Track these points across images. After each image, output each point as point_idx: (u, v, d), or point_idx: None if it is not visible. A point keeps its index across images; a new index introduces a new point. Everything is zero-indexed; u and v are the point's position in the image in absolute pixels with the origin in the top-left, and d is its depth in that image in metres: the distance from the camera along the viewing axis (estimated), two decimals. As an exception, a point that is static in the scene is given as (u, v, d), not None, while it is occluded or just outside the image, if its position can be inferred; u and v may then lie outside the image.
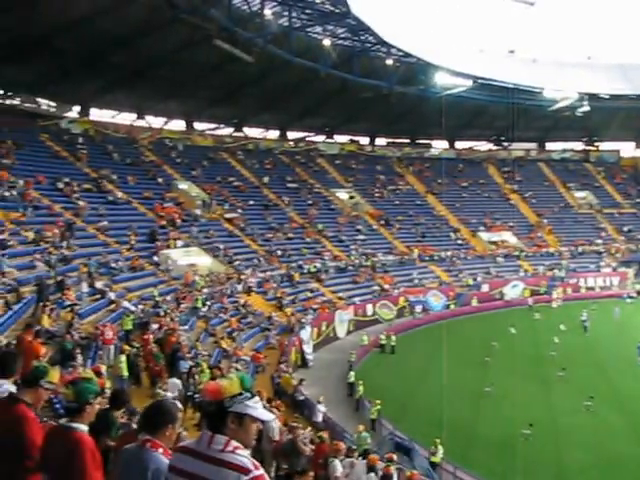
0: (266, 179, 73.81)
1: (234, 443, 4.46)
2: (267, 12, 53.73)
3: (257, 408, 4.59)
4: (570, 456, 28.20)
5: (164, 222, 54.28)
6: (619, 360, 45.32)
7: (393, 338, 50.39)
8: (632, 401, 36.23)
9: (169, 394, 23.78)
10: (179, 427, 5.70)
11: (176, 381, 25.60)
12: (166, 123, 75.88)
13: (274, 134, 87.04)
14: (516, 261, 77.22)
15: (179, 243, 52.18)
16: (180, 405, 6.48)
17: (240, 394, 4.54)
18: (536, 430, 29.46)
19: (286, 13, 55.45)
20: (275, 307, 51.82)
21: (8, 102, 57.27)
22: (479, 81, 72.01)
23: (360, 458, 18.65)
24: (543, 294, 70.95)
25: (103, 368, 15.07)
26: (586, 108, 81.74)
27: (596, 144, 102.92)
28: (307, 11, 56.07)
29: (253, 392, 4.64)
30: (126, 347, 27.83)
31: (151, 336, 30.50)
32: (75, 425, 5.90)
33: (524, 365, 41.43)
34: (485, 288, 69.85)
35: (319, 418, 30.32)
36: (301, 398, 33.12)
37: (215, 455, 4.43)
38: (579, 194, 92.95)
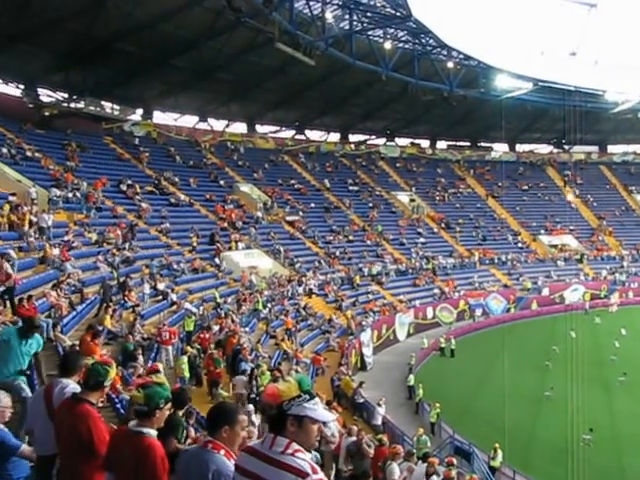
0: (327, 182, 74.02)
1: (295, 446, 4.56)
2: (328, 16, 53.78)
3: (316, 409, 4.67)
4: (632, 462, 27.87)
5: (225, 224, 54.75)
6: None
7: (453, 342, 50.25)
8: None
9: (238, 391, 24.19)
10: (242, 429, 5.82)
11: (243, 378, 25.85)
12: (228, 126, 76.45)
13: (335, 137, 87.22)
14: (577, 265, 76.45)
15: (240, 245, 52.55)
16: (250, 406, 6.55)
17: (299, 396, 4.63)
18: (597, 435, 29.21)
19: (347, 16, 55.44)
20: (335, 309, 51.94)
21: (73, 105, 58.03)
22: (540, 84, 71.45)
23: (420, 462, 18.68)
24: (604, 298, 70.15)
25: (161, 366, 15.26)
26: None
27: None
28: (368, 14, 56.02)
29: (312, 393, 4.74)
30: (188, 348, 28.17)
31: (207, 335, 30.93)
32: (145, 430, 5.96)
33: (584, 370, 40.88)
34: (545, 292, 69.31)
35: (378, 421, 30.38)
36: (361, 401, 33.18)
37: (275, 457, 4.55)
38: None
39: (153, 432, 6.03)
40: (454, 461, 19.56)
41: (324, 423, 4.85)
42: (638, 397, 36.28)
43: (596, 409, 33.98)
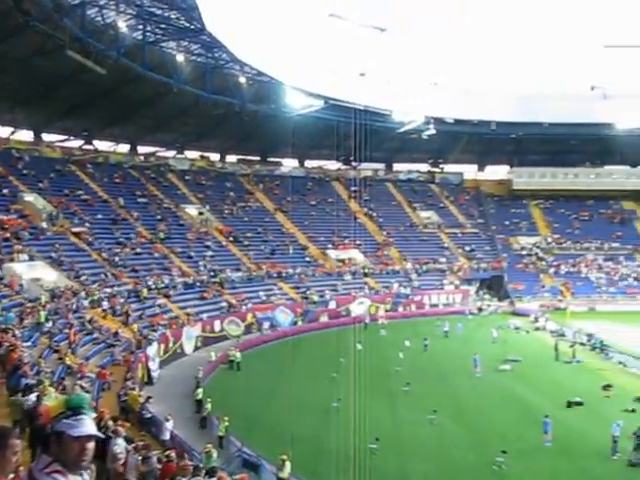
0: (115, 193, 72.64)
1: (56, 466, 4.44)
2: (121, 25, 53.05)
3: (75, 425, 4.52)
4: (415, 467, 29.02)
5: (8, 235, 52.77)
6: (460, 373, 47.38)
7: (238, 355, 50.34)
8: (471, 412, 37.92)
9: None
10: (13, 454, 5.55)
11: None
12: (13, 133, 73.75)
13: (124, 148, 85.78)
14: (363, 278, 78.46)
15: (24, 257, 50.80)
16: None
17: (62, 413, 4.54)
18: (383, 444, 30.13)
19: (140, 27, 54.98)
20: (122, 323, 50.99)
21: None
22: (330, 102, 73.01)
23: (207, 477, 18.58)
24: (389, 311, 72.67)
25: None
26: (432, 131, 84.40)
27: (441, 166, 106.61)
28: (162, 25, 55.79)
29: (78, 410, 4.61)
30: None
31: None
32: None
33: (371, 380, 42.03)
34: (332, 305, 70.73)
35: (167, 436, 30.06)
36: (148, 416, 32.73)
37: (35, 475, 4.44)
38: (424, 214, 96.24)
39: None
40: (246, 478, 19.59)
41: (93, 439, 4.70)
42: (421, 405, 37.76)
43: (382, 418, 35.18)
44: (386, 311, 72.72)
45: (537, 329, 67.34)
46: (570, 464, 29.65)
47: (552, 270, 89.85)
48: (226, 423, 32.51)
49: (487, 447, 31.20)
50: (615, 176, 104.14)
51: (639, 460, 29.12)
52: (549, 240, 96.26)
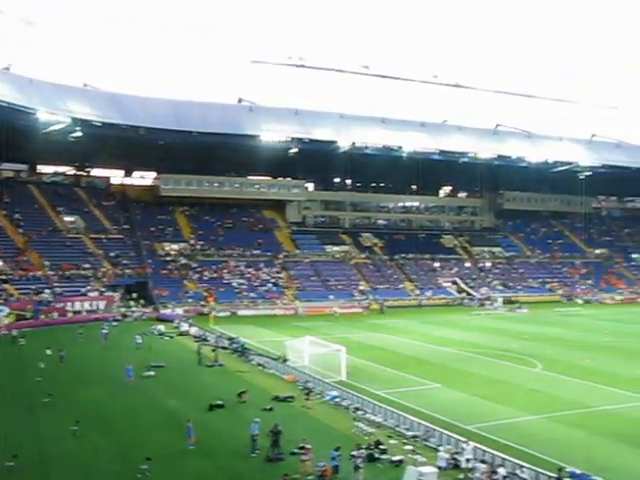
0: None
1: None
2: None
3: None
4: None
5: None
6: (104, 381, 46.27)
7: None
8: (115, 420, 37.10)
9: None
10: None
11: None
12: None
13: None
14: (1, 285, 75.35)
15: None
16: None
17: None
18: (22, 460, 28.68)
19: None
20: None
21: None
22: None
23: None
24: (30, 319, 70.37)
25: None
26: (79, 134, 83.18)
27: (87, 170, 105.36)
28: None
29: None
30: None
31: None
32: None
33: (7, 393, 40.51)
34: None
35: None
36: None
37: None
38: (68, 218, 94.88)
39: None
40: None
41: None
42: (64, 417, 36.48)
43: (21, 434, 33.75)
44: (24, 319, 70.33)
45: (181, 334, 68.08)
46: (213, 465, 30.07)
47: (196, 276, 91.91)
48: None
49: (132, 455, 30.71)
50: (258, 186, 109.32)
51: (275, 455, 30.35)
52: (193, 245, 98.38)
